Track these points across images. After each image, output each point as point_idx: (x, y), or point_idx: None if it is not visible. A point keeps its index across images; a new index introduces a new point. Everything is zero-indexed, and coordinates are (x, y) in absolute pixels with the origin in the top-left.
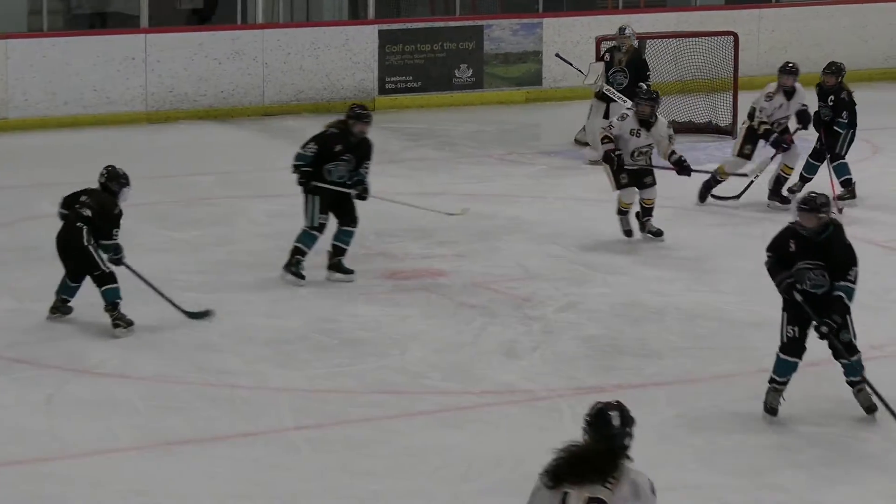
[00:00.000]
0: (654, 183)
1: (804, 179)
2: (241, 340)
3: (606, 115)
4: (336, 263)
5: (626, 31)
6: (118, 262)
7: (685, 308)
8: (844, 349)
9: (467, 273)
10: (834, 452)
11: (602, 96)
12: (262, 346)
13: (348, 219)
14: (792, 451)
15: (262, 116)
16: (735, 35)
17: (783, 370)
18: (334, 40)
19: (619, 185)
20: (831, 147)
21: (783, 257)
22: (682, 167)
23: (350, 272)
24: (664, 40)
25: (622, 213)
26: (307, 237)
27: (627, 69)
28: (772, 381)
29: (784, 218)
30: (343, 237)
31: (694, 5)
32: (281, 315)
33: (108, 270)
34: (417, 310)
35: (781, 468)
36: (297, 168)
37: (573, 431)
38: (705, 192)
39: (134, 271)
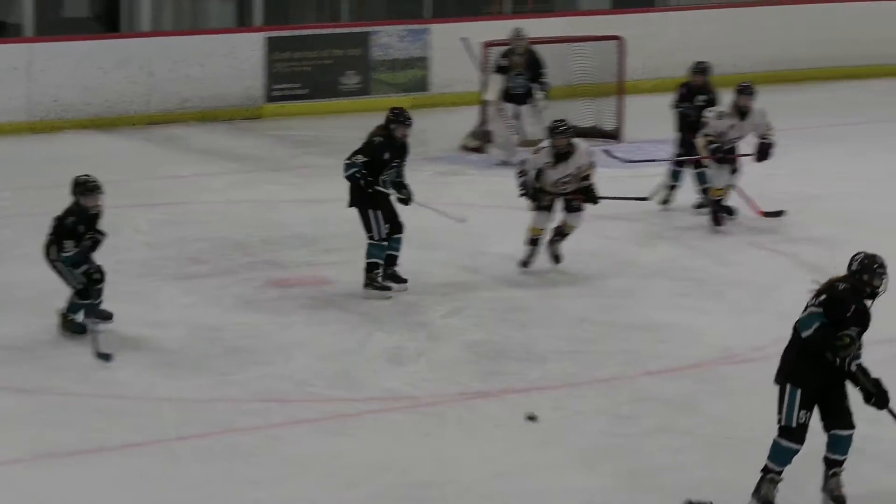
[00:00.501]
0: (580, 208)
1: (672, 188)
2: (127, 350)
3: (517, 117)
4: (392, 274)
5: (522, 32)
6: (87, 277)
7: (569, 312)
8: (851, 422)
9: (353, 280)
10: (715, 455)
11: (506, 97)
12: (147, 355)
13: (397, 226)
14: (673, 453)
15: (147, 125)
16: (621, 39)
17: (784, 458)
18: (221, 48)
19: (538, 206)
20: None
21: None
22: (589, 195)
23: (405, 280)
24: (551, 44)
25: (532, 242)
26: (377, 249)
27: (526, 71)
28: (767, 470)
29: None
30: (396, 245)
31: (581, 9)
32: (166, 324)
33: (80, 286)
34: (302, 317)
35: (663, 470)
36: (359, 177)
37: (458, 437)
38: (716, 216)
39: (93, 284)
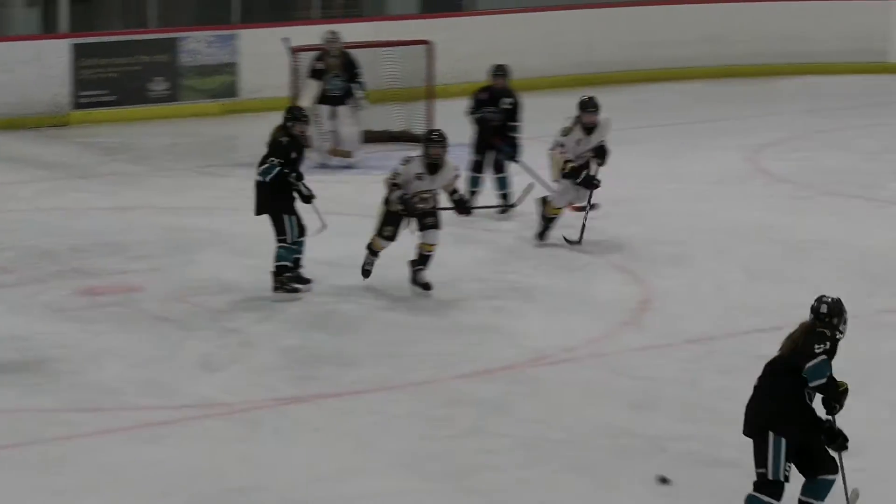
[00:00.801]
0: (435, 225)
1: (473, 194)
2: None
3: (333, 117)
4: (296, 276)
5: (337, 34)
6: None
7: (382, 316)
8: (836, 465)
9: (163, 287)
10: (530, 456)
11: (323, 99)
12: None
13: (302, 229)
14: (488, 454)
15: None
16: (430, 43)
17: None
18: (26, 54)
19: (380, 234)
20: (511, 155)
21: None
22: (462, 206)
23: (309, 281)
24: (361, 49)
25: (372, 252)
26: (288, 252)
27: (342, 73)
28: None
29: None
30: (300, 248)
31: (389, 14)
32: None
33: None
34: (113, 325)
35: (480, 472)
36: (287, 172)
37: (272, 444)
38: (544, 231)
39: None
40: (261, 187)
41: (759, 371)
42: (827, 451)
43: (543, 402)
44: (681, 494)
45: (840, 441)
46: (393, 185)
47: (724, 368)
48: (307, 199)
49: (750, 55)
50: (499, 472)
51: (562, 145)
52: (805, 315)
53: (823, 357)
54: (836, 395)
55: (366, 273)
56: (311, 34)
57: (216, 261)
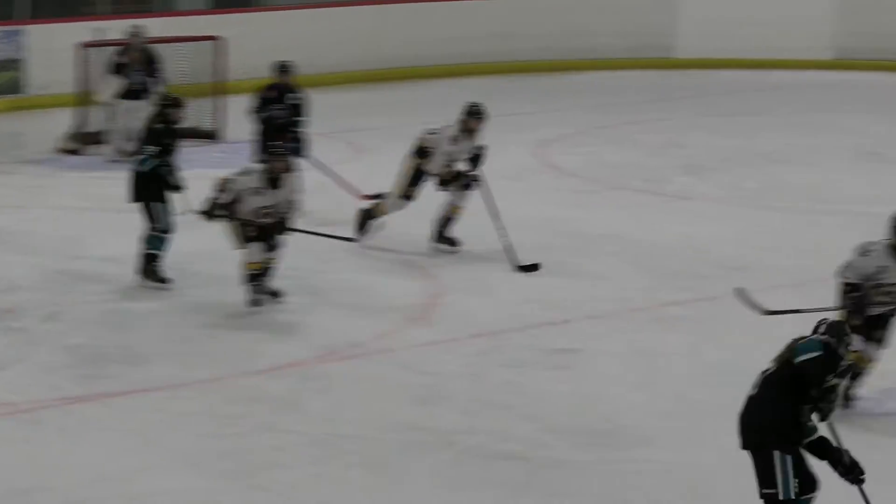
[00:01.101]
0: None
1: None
2: None
3: (134, 113)
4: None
5: (140, 28)
6: None
7: (168, 314)
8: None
9: None
10: (319, 452)
11: (127, 94)
12: None
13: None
14: (281, 452)
15: None
16: (220, 39)
17: None
18: None
19: (246, 240)
20: (298, 151)
21: None
22: (279, 225)
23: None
24: (149, 45)
25: (253, 278)
26: (159, 241)
27: (144, 67)
28: None
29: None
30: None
31: (179, 9)
32: None
33: None
34: None
35: (270, 469)
36: (163, 165)
37: (57, 443)
38: (362, 226)
39: None
40: (135, 175)
41: (545, 364)
42: (811, 471)
43: (333, 398)
44: (467, 487)
45: (857, 472)
46: (220, 189)
47: (510, 362)
48: (175, 189)
49: (537, 51)
50: (289, 469)
51: (445, 154)
52: (592, 306)
53: (816, 338)
54: (816, 380)
55: (256, 303)
56: (101, 30)
57: (1, 259)
